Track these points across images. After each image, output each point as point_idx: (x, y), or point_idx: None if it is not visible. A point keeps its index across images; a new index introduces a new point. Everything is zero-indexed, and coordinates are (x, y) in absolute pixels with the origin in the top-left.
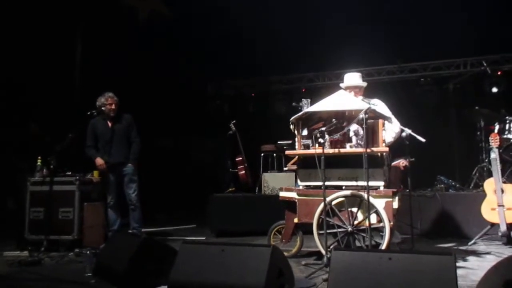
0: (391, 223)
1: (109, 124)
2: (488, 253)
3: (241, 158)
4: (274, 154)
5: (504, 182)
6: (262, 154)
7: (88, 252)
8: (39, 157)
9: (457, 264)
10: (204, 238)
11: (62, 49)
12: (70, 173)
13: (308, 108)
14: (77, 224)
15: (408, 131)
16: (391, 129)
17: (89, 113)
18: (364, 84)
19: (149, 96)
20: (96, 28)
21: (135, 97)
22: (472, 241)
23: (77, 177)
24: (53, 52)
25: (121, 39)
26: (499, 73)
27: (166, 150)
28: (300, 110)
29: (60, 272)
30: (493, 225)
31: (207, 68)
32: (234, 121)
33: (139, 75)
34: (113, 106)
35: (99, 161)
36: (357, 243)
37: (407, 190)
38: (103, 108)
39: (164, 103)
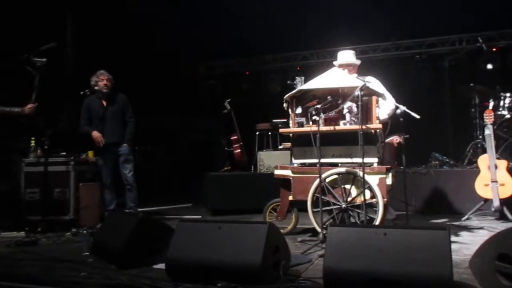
0: (385, 199)
1: (104, 103)
2: (481, 228)
3: (236, 137)
4: (269, 133)
5: (497, 158)
6: (257, 133)
7: (85, 231)
8: (33, 138)
9: (451, 239)
10: (200, 216)
11: (53, 28)
12: (64, 153)
13: (302, 85)
14: (73, 204)
15: (402, 108)
16: (385, 106)
17: (82, 92)
18: (358, 61)
19: (144, 75)
20: (87, 5)
21: (129, 77)
22: (466, 217)
23: (72, 157)
24: (44, 31)
25: (113, 19)
26: (494, 49)
27: (161, 130)
28: (294, 88)
29: (57, 252)
30: (486, 200)
31: (201, 47)
32: (229, 99)
33: (133, 55)
34: (105, 82)
35: (95, 134)
36: (352, 220)
37: (401, 167)
38: (96, 87)
39: (159, 82)
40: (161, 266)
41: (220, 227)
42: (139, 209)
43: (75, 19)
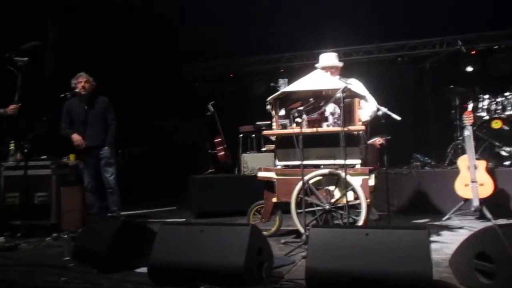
0: (368, 200)
1: (85, 106)
2: (461, 227)
3: (220, 139)
4: (253, 135)
5: (477, 159)
6: (241, 135)
7: (66, 236)
8: (12, 141)
9: (432, 239)
10: (184, 219)
11: (34, 29)
12: (45, 157)
13: (285, 88)
14: (54, 208)
15: (384, 109)
16: (367, 108)
17: (62, 95)
18: (340, 63)
19: (128, 77)
20: (69, 6)
21: (113, 79)
22: (447, 216)
23: (53, 161)
24: (24, 32)
25: (96, 19)
26: (473, 52)
27: (144, 133)
28: (278, 90)
29: (37, 257)
30: (466, 200)
31: (184, 49)
32: (213, 102)
33: (117, 56)
34: (82, 84)
35: (76, 137)
36: (335, 221)
37: (384, 168)
38: (76, 90)
39: (143, 84)
40: (144, 270)
41: (203, 230)
42: (122, 213)
43: (56, 20)
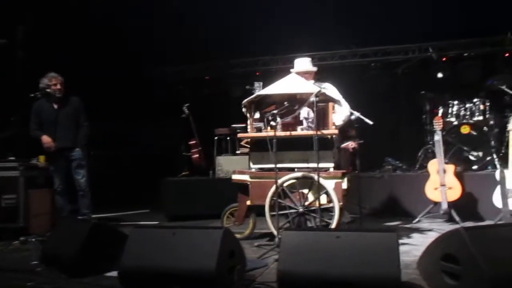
0: (341, 203)
1: (55, 106)
2: (430, 230)
3: (195, 142)
4: (228, 137)
5: (446, 163)
6: (216, 137)
7: (34, 239)
8: None
9: (402, 241)
10: (157, 222)
11: (2, 28)
12: (13, 158)
13: (260, 91)
14: (22, 211)
15: (357, 114)
16: (341, 112)
17: (32, 95)
18: (314, 68)
19: (100, 78)
20: (38, 5)
21: (85, 80)
22: (417, 219)
23: (21, 163)
24: None
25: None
26: (444, 59)
27: (118, 134)
28: (253, 94)
29: (4, 261)
30: (436, 203)
31: (161, 50)
32: (188, 104)
33: (89, 56)
34: (58, 86)
35: (46, 139)
36: (308, 224)
37: (356, 171)
38: (48, 90)
39: (116, 86)
40: (115, 274)
41: (175, 233)
42: (94, 216)
43: (25, 18)
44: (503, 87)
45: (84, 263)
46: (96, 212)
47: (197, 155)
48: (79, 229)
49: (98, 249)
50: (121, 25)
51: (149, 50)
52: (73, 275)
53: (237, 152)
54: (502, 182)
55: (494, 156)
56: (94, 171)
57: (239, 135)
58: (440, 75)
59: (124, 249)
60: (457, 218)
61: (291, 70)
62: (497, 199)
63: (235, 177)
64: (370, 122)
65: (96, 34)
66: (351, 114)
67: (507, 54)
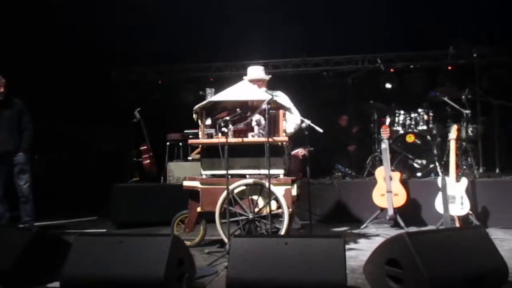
0: (291, 210)
1: None
2: (377, 235)
3: (146, 147)
4: (180, 143)
5: (392, 170)
6: (168, 143)
7: None
8: None
9: (349, 246)
10: (104, 230)
11: None
12: None
13: (212, 97)
14: None
15: (307, 122)
16: (292, 121)
17: None
18: (267, 76)
19: (46, 80)
20: None
21: (30, 81)
22: (364, 225)
23: None
24: None
25: (12, 16)
26: (392, 70)
27: (65, 138)
28: (206, 99)
29: None
30: (382, 209)
31: (111, 53)
32: (139, 108)
33: (34, 56)
34: (1, 89)
35: None
36: (259, 230)
37: (306, 178)
38: None
39: (64, 88)
40: (57, 284)
41: (122, 241)
42: (36, 223)
43: None
44: (445, 99)
45: (23, 274)
46: (40, 219)
47: (148, 161)
48: (18, 238)
49: (40, 259)
50: (71, 24)
51: (99, 52)
52: (11, 287)
53: (189, 158)
54: (444, 188)
55: (437, 164)
56: (38, 176)
57: (190, 141)
58: (388, 85)
59: (67, 258)
60: (402, 224)
61: (244, 77)
62: (439, 204)
63: (186, 183)
64: (320, 130)
65: (45, 32)
66: (302, 122)
67: (450, 67)
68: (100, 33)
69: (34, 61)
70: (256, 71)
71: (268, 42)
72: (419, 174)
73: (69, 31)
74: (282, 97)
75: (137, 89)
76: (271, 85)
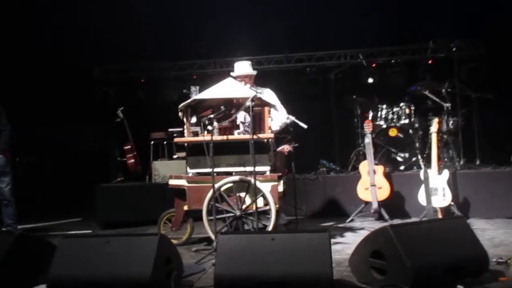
0: (277, 206)
1: None
2: (362, 228)
3: (129, 146)
4: (165, 142)
5: (376, 164)
6: (152, 142)
7: None
8: None
9: (335, 240)
10: (90, 231)
11: None
12: None
13: (197, 95)
14: None
15: (292, 118)
16: (278, 118)
17: None
18: (254, 72)
19: (27, 79)
20: None
21: (8, 81)
22: (350, 219)
23: None
24: None
25: None
26: (373, 65)
27: (47, 139)
28: (189, 97)
29: None
30: (367, 203)
31: (92, 50)
32: (122, 107)
33: (13, 56)
34: None
35: None
36: (246, 227)
37: (292, 174)
38: None
39: (45, 87)
40: (44, 287)
41: (109, 241)
42: (19, 226)
43: None
44: (426, 92)
45: (7, 278)
46: (23, 222)
47: (132, 160)
48: (0, 241)
49: (24, 262)
50: (51, 22)
51: (81, 50)
52: None
53: (174, 156)
54: (426, 181)
55: (419, 157)
56: (20, 178)
57: (175, 139)
58: (370, 80)
59: (52, 261)
60: (386, 216)
61: (231, 73)
62: (421, 197)
63: (172, 182)
64: (305, 126)
65: (23, 29)
66: (287, 118)
67: (430, 61)
68: (81, 31)
69: (13, 60)
70: (243, 67)
71: (251, 38)
72: (402, 167)
73: (49, 29)
74: (269, 95)
75: (119, 87)
76: (260, 83)
